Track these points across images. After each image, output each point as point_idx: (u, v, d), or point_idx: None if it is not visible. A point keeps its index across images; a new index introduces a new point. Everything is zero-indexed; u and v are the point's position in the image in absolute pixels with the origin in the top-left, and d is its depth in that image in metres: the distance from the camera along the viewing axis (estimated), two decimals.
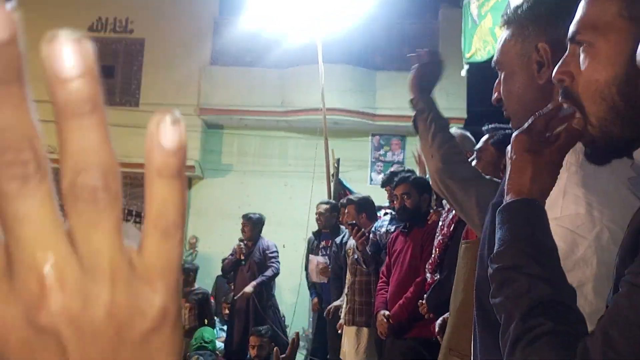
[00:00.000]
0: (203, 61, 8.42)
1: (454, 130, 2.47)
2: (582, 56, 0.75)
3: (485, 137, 1.73)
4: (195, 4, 8.43)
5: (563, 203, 0.87)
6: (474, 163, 1.70)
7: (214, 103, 8.28)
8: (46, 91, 0.20)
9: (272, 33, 6.89)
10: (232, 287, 5.41)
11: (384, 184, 3.62)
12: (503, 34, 1.15)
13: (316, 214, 4.75)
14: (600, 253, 0.82)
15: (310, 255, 4.72)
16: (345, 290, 3.64)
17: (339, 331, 3.49)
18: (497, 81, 1.18)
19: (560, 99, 0.80)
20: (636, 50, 0.67)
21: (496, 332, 1.06)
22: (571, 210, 0.86)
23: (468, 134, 2.44)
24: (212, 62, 8.50)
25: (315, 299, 5.01)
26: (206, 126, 8.65)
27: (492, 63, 1.18)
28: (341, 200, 4.15)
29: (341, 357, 3.43)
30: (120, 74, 8.72)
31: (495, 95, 1.19)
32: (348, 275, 3.38)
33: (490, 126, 1.76)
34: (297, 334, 2.21)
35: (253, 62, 8.18)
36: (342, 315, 3.45)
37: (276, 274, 5.06)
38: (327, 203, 4.83)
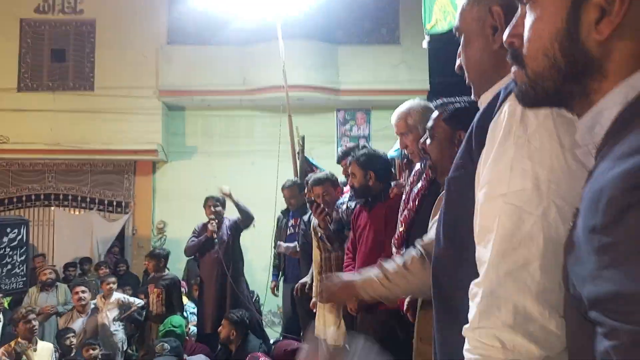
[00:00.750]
0: (159, 40, 8.14)
1: (417, 101, 2.44)
2: (527, 15, 0.72)
3: (435, 114, 1.69)
4: None
5: (510, 178, 0.83)
6: (428, 142, 1.68)
7: (173, 84, 8.04)
8: None
9: (230, 9, 6.68)
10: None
11: (338, 161, 3.62)
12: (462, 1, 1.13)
13: (283, 191, 4.76)
14: (547, 230, 0.79)
15: (278, 242, 4.75)
16: (312, 268, 3.65)
17: (314, 310, 3.48)
18: (459, 49, 1.15)
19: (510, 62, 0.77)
20: (577, 3, 0.64)
21: (453, 311, 1.02)
22: (517, 185, 0.82)
23: (430, 105, 2.42)
24: (169, 42, 8.23)
25: (273, 283, 5.11)
26: (167, 108, 8.42)
27: (453, 30, 1.16)
28: (306, 179, 4.11)
29: (317, 334, 3.43)
30: (72, 57, 8.35)
31: (457, 62, 1.17)
32: (316, 253, 3.37)
33: (438, 102, 1.74)
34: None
35: (212, 40, 7.96)
36: (314, 294, 3.44)
37: (246, 209, 5.22)
38: (293, 182, 4.82)
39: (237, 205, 5.15)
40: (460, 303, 0.92)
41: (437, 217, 1.22)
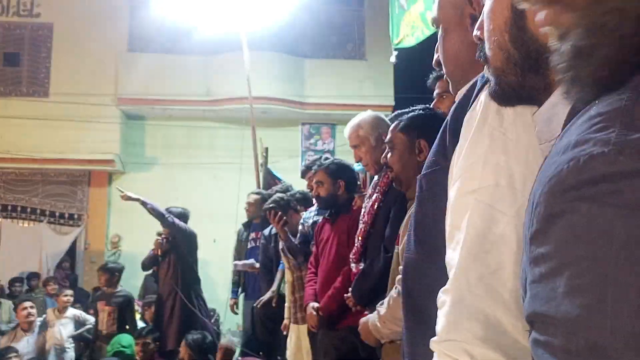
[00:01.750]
0: (119, 47, 7.90)
1: (368, 112, 2.43)
2: (485, 5, 0.67)
3: (392, 126, 1.68)
4: None
5: (482, 173, 0.75)
6: (389, 156, 1.63)
7: (133, 92, 7.80)
8: None
9: (194, 18, 6.55)
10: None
11: (302, 175, 3.52)
12: None
13: (246, 203, 4.61)
14: (521, 232, 0.71)
15: (235, 262, 4.57)
16: (274, 284, 3.52)
17: (285, 332, 3.34)
18: (437, 43, 1.09)
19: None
20: None
21: (423, 322, 0.95)
22: (490, 181, 0.74)
23: (381, 115, 2.42)
24: (130, 49, 8.00)
25: (232, 301, 4.88)
26: (126, 117, 8.15)
27: (430, 22, 1.10)
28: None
29: (288, 357, 3.28)
30: (27, 62, 8.01)
31: (435, 56, 1.10)
32: (288, 273, 3.22)
33: (392, 114, 1.75)
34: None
35: (175, 49, 7.79)
36: (286, 315, 3.30)
37: (160, 213, 4.54)
38: (257, 193, 4.69)
39: (144, 206, 4.55)
40: (431, 312, 0.83)
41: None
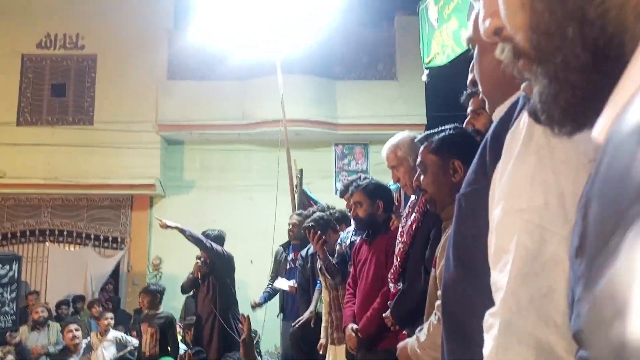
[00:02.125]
0: (159, 75, 8.21)
1: (406, 133, 2.43)
2: None
3: (422, 148, 1.65)
4: (148, 17, 8.23)
5: (530, 192, 0.73)
6: (422, 178, 1.63)
7: (172, 118, 8.07)
8: None
9: (229, 45, 6.77)
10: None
11: (341, 195, 3.55)
12: (475, 8, 1.08)
13: (289, 224, 4.64)
14: None
15: (278, 278, 4.61)
16: (312, 305, 3.52)
17: (320, 352, 3.34)
18: (472, 62, 1.08)
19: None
20: None
21: (465, 344, 0.93)
22: (539, 200, 0.72)
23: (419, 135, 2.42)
24: (169, 77, 8.30)
25: (254, 301, 4.89)
26: (166, 142, 8.42)
27: (465, 42, 1.09)
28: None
29: None
30: (73, 92, 8.41)
31: (470, 76, 1.10)
32: (325, 293, 3.23)
33: (419, 137, 1.71)
34: (243, 315, 2.21)
35: (211, 75, 8.04)
36: (323, 334, 3.30)
37: (198, 238, 4.71)
38: (299, 214, 4.73)
39: (184, 234, 4.75)
40: (474, 335, 0.81)
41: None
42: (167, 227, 4.73)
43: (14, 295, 6.26)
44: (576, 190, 0.71)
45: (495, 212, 0.79)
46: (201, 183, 8.45)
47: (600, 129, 0.41)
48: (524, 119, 0.80)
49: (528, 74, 0.46)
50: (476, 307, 0.81)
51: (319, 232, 3.10)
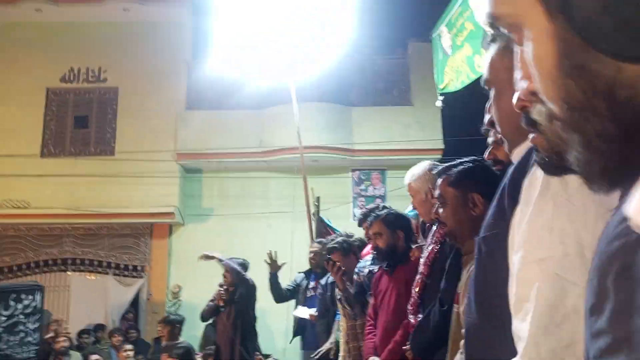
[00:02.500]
0: (178, 106, 8.40)
1: (424, 163, 2.44)
2: None
3: (439, 181, 1.63)
4: (167, 49, 8.48)
5: (550, 241, 0.73)
6: (441, 211, 1.61)
7: (191, 148, 8.21)
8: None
9: (245, 74, 6.91)
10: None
11: (360, 223, 3.55)
12: (490, 51, 1.07)
13: (310, 252, 4.65)
14: None
15: (298, 306, 4.60)
16: (332, 334, 3.49)
17: None
18: (488, 103, 1.10)
19: None
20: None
21: None
22: (558, 250, 0.72)
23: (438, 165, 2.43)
24: (188, 107, 8.48)
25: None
26: (185, 171, 8.55)
27: (482, 82, 1.10)
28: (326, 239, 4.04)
29: None
30: (95, 124, 8.63)
31: (486, 117, 1.11)
32: (343, 321, 3.22)
33: (436, 169, 1.68)
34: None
35: (228, 104, 8.19)
36: None
37: (234, 268, 4.87)
38: (319, 242, 4.74)
39: (220, 262, 4.91)
40: None
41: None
42: (207, 258, 4.89)
43: (37, 325, 6.32)
44: (594, 240, 0.69)
45: (515, 259, 0.80)
46: (219, 211, 8.51)
47: (635, 210, 0.42)
48: None
49: (563, 134, 0.47)
50: (499, 355, 0.82)
51: (337, 263, 3.09)
